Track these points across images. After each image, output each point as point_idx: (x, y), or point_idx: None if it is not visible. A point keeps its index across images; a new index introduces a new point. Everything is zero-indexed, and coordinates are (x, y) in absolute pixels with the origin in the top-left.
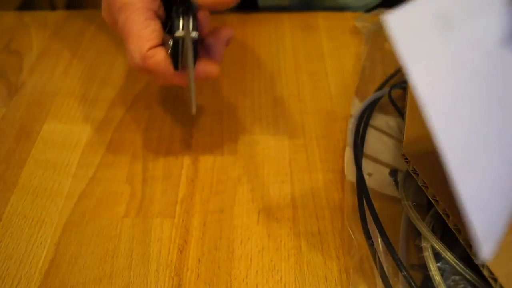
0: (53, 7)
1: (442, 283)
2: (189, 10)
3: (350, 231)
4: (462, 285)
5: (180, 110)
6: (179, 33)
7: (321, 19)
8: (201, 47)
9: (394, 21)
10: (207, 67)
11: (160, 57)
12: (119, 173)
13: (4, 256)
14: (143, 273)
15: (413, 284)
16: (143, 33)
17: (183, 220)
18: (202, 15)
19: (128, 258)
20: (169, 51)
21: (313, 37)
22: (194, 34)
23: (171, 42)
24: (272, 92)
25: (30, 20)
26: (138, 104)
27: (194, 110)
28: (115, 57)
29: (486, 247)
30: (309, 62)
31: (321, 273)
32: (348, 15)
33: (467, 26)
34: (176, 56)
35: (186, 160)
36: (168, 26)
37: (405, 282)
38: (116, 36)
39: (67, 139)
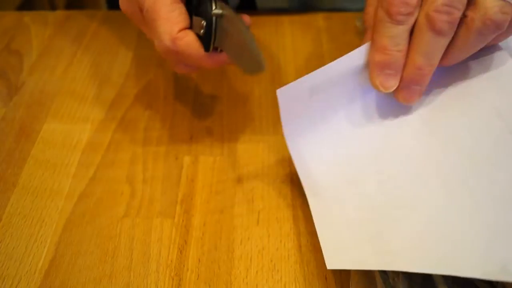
0: (53, 7)
1: (442, 283)
2: None
3: None
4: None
5: (180, 110)
6: (217, 10)
7: (321, 20)
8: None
9: (281, 92)
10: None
11: (191, 38)
12: (119, 173)
13: (4, 256)
14: (143, 273)
15: (413, 284)
16: (171, 15)
17: (183, 220)
18: None
19: (128, 258)
20: (202, 31)
21: (313, 37)
22: (230, 9)
23: (204, 22)
24: (272, 93)
25: (30, 20)
26: (138, 104)
27: (263, 64)
28: (115, 57)
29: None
30: (309, 63)
31: (321, 273)
32: (348, 15)
33: (328, 92)
34: (209, 37)
35: (186, 160)
36: (194, 9)
37: (405, 282)
38: (119, 34)
39: (67, 139)
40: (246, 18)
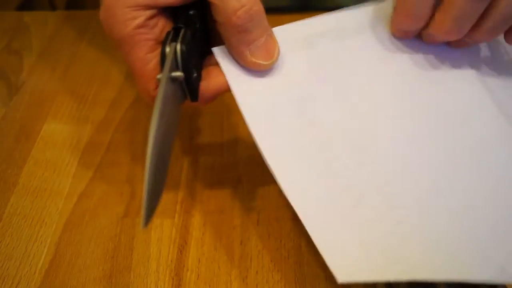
0: (53, 7)
1: (443, 283)
2: (177, 35)
3: None
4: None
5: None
6: (160, 75)
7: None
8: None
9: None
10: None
11: None
12: (119, 173)
13: (4, 256)
14: (143, 273)
15: (413, 284)
16: (145, 71)
17: (183, 220)
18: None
19: (128, 258)
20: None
21: None
22: (177, 74)
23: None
24: None
25: (30, 20)
26: (138, 104)
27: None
28: (115, 57)
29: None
30: None
31: (321, 273)
32: None
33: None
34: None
35: (186, 160)
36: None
37: (405, 282)
38: None
39: (67, 139)
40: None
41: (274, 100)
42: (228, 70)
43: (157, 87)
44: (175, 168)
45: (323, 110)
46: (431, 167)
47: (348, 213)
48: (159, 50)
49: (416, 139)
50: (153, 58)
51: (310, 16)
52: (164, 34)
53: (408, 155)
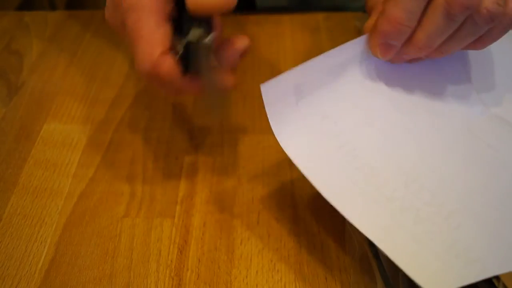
0: (53, 7)
1: None
2: None
3: (350, 231)
4: None
5: (180, 110)
6: (192, 37)
7: (322, 20)
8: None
9: (265, 87)
10: (220, 78)
11: (171, 63)
12: (119, 173)
13: (4, 256)
14: (143, 273)
15: (413, 284)
16: (153, 37)
17: (183, 220)
18: (217, 20)
19: (128, 258)
20: (179, 55)
21: (313, 37)
22: (208, 39)
23: (182, 46)
24: None
25: (30, 20)
26: (138, 104)
27: (219, 117)
28: (115, 57)
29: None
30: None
31: (321, 273)
32: (348, 15)
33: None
34: (186, 62)
35: (186, 160)
36: (183, 30)
37: (405, 282)
38: (117, 37)
39: (67, 139)
40: (244, 39)
41: (313, 138)
42: (270, 109)
43: (161, 53)
44: (175, 168)
45: (357, 138)
46: (467, 173)
47: (413, 231)
48: (167, 24)
49: (448, 152)
50: (161, 29)
51: (309, 16)
52: (173, 12)
53: (444, 166)
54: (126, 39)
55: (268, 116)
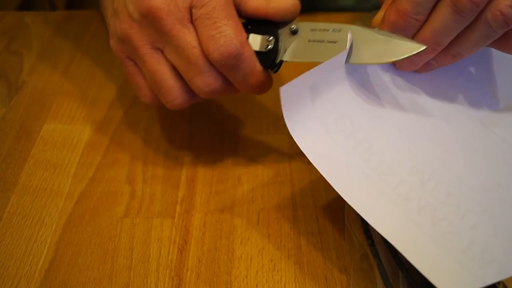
0: (53, 7)
1: None
2: None
3: (350, 231)
4: None
5: (180, 110)
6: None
7: (322, 20)
8: None
9: (284, 90)
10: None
11: (252, 50)
12: (119, 173)
13: (4, 256)
14: (143, 273)
15: (413, 284)
16: (239, 23)
17: (183, 220)
18: None
19: (128, 258)
20: (269, 47)
21: None
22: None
23: (272, 38)
24: (272, 92)
25: (30, 20)
26: (138, 104)
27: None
28: (115, 57)
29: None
30: (310, 63)
31: (321, 273)
32: (349, 15)
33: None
34: (275, 53)
35: (186, 160)
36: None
37: (405, 282)
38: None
39: (67, 139)
40: None
41: (329, 137)
42: (286, 109)
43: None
44: (175, 168)
45: (373, 136)
46: (482, 169)
47: (431, 231)
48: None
49: (463, 147)
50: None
51: (310, 17)
52: None
53: (459, 162)
54: (135, 74)
55: (284, 117)
